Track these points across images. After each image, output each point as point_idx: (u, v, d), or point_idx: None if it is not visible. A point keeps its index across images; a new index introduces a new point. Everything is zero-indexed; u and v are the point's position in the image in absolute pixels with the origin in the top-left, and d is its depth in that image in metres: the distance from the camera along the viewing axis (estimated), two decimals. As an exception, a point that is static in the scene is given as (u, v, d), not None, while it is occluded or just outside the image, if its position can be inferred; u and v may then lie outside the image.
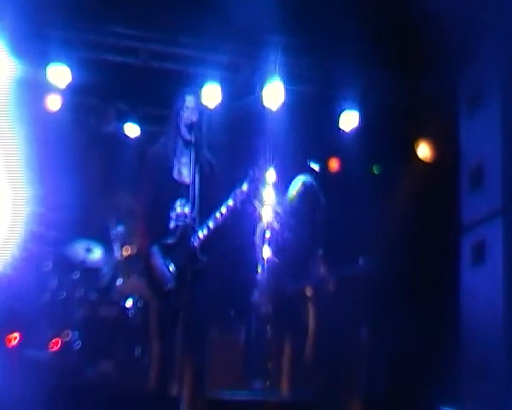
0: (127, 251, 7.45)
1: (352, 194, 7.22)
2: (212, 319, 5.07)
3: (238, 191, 4.74)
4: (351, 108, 7.56)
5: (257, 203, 6.86)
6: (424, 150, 7.80)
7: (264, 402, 5.67)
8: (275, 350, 6.51)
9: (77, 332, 6.98)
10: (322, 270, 6.27)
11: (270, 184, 7.30)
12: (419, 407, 5.78)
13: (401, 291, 6.95)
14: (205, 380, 4.73)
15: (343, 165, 8.17)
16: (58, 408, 5.00)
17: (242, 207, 4.80)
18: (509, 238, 5.31)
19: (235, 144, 7.56)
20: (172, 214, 4.78)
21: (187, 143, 4.85)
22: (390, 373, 6.78)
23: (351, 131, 7.64)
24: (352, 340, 6.63)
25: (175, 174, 4.84)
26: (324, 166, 7.86)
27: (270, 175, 7.37)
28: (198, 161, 4.76)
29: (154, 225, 4.79)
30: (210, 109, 7.06)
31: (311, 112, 7.59)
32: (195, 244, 4.68)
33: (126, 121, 8.06)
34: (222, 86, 7.29)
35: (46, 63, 6.98)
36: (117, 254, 7.50)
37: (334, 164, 8.21)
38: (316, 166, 6.67)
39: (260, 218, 6.71)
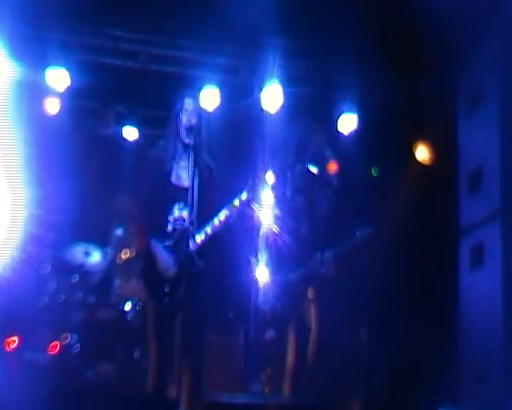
0: (126, 254, 7.45)
1: (351, 196, 7.22)
2: (209, 321, 5.07)
3: (237, 200, 4.74)
4: (349, 110, 7.56)
5: (256, 206, 6.86)
6: (423, 153, 7.81)
7: (263, 405, 5.66)
8: (275, 352, 6.52)
9: (76, 335, 6.97)
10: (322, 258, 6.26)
11: (269, 186, 7.29)
12: (418, 408, 5.77)
13: (400, 293, 6.95)
14: (203, 383, 4.73)
15: (341, 167, 8.16)
16: (57, 411, 5.00)
17: (240, 215, 4.80)
18: (508, 240, 5.30)
19: (233, 147, 7.55)
20: (170, 218, 4.77)
21: (186, 147, 4.85)
22: (389, 375, 6.78)
23: (349, 133, 7.64)
24: (352, 341, 6.63)
25: (173, 178, 4.84)
26: (323, 169, 7.85)
27: (269, 177, 7.36)
28: (197, 165, 4.76)
29: (152, 227, 4.79)
30: (209, 112, 7.06)
31: (309, 114, 7.59)
32: (192, 249, 4.67)
33: (125, 124, 8.06)
34: (220, 89, 7.30)
35: (45, 66, 6.98)
36: (116, 257, 7.50)
37: (332, 166, 8.20)
38: (314, 169, 6.66)
39: (259, 221, 6.71)
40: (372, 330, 6.81)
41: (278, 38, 6.84)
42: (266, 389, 6.55)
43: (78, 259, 7.46)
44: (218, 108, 7.32)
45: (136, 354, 6.89)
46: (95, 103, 7.97)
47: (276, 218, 6.68)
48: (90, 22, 6.75)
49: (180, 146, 4.87)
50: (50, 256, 7.25)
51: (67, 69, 7.01)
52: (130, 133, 8.09)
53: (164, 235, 4.76)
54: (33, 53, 6.82)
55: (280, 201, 6.76)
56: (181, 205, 4.77)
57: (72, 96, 7.48)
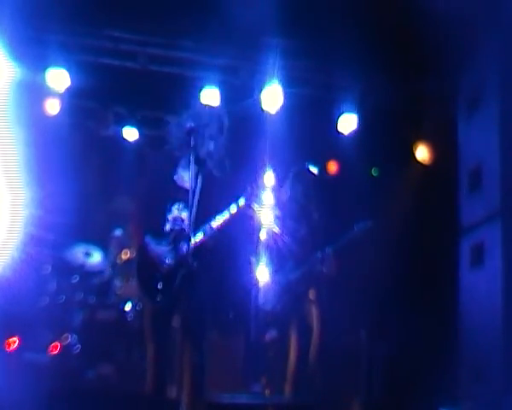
0: (126, 255, 7.45)
1: (351, 197, 7.23)
2: (210, 321, 5.06)
3: (234, 206, 4.74)
4: (349, 110, 7.56)
5: (256, 208, 6.86)
6: (423, 153, 7.81)
7: (264, 405, 5.66)
8: (276, 353, 6.52)
9: (76, 336, 6.98)
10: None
11: (269, 187, 7.30)
12: (419, 407, 5.77)
13: (400, 293, 6.95)
14: (203, 383, 4.73)
15: (342, 168, 8.17)
16: (57, 412, 5.00)
17: (238, 220, 4.81)
18: (508, 240, 5.31)
19: (233, 147, 7.56)
20: (169, 217, 4.78)
21: (190, 149, 4.85)
22: (389, 375, 6.78)
23: (349, 133, 7.64)
24: (352, 341, 6.63)
25: (176, 178, 4.85)
26: (323, 169, 7.86)
27: (269, 178, 7.36)
28: (199, 167, 4.77)
29: (149, 224, 4.80)
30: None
31: (309, 115, 7.60)
32: (187, 249, 4.66)
33: (125, 125, 8.06)
34: (220, 90, 7.30)
35: (45, 67, 6.99)
36: (116, 257, 7.50)
37: (332, 167, 8.22)
38: (314, 169, 6.66)
39: (258, 224, 6.71)
40: (372, 329, 6.81)
41: (278, 39, 6.84)
42: (267, 391, 6.55)
43: (78, 259, 7.47)
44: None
45: (137, 354, 6.89)
46: (94, 104, 7.97)
47: (277, 218, 6.68)
48: (89, 23, 6.75)
49: (185, 148, 4.87)
50: (50, 257, 7.25)
51: (67, 70, 7.02)
52: (130, 134, 8.09)
53: (160, 233, 4.76)
54: (33, 54, 6.82)
55: (280, 201, 6.76)
56: (181, 205, 4.77)
57: (72, 97, 7.49)
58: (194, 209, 4.64)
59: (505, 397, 4.99)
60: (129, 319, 7.15)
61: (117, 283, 7.43)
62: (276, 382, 6.17)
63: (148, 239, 4.74)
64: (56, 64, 6.97)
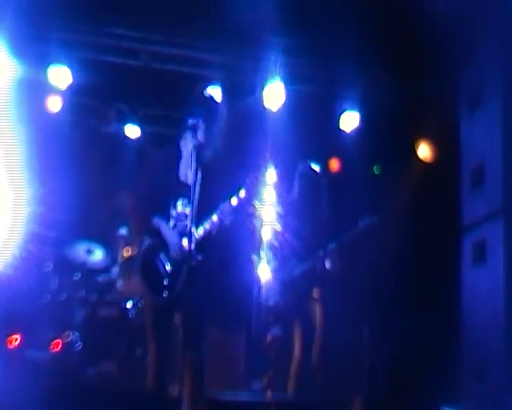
0: (128, 252, 7.45)
1: (353, 194, 7.22)
2: (211, 319, 5.08)
3: (235, 197, 4.76)
4: (351, 108, 7.56)
5: (257, 204, 6.87)
6: (425, 150, 7.80)
7: (265, 403, 5.66)
8: (278, 350, 6.52)
9: (78, 333, 6.99)
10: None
11: (271, 184, 7.29)
12: (420, 406, 5.77)
13: (402, 291, 6.95)
14: (204, 380, 4.74)
15: (344, 165, 8.17)
16: (59, 409, 5.00)
17: (239, 212, 4.83)
18: (510, 238, 5.29)
19: (235, 145, 7.56)
20: (173, 212, 4.81)
21: (194, 146, 4.86)
22: (391, 373, 6.78)
23: (351, 131, 7.64)
24: (354, 339, 6.63)
25: (180, 174, 4.87)
26: (325, 167, 7.85)
27: (271, 175, 7.36)
28: (201, 161, 4.78)
29: (151, 216, 4.83)
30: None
31: (311, 112, 7.59)
32: (191, 243, 4.68)
33: (127, 122, 8.07)
34: (223, 87, 7.28)
35: (47, 64, 6.99)
36: (118, 255, 7.51)
37: (334, 164, 8.21)
38: (316, 167, 6.66)
39: (260, 217, 6.72)
40: (374, 328, 6.81)
41: (280, 37, 6.84)
42: (268, 391, 6.56)
43: (80, 257, 7.48)
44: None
45: (138, 351, 6.90)
46: (96, 101, 7.97)
47: (279, 216, 6.68)
48: (91, 20, 6.75)
49: (189, 146, 4.89)
50: (52, 254, 7.26)
51: (69, 67, 7.03)
52: (132, 131, 8.10)
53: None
54: (35, 51, 6.83)
55: (282, 199, 6.77)
56: (185, 201, 4.80)
57: (74, 94, 7.49)
58: (196, 203, 4.66)
59: (507, 396, 4.98)
60: (130, 317, 7.15)
61: (119, 280, 7.44)
62: (279, 379, 6.17)
63: (157, 220, 4.77)
64: (58, 61, 6.97)
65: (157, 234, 4.79)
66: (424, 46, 6.02)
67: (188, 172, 4.85)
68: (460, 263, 5.92)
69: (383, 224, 6.67)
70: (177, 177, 4.88)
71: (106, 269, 7.59)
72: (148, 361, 4.90)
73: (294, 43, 6.98)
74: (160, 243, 4.78)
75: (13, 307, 6.48)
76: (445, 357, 6.16)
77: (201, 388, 4.74)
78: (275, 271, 6.54)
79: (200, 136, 4.78)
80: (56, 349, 6.83)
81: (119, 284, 7.41)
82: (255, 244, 6.85)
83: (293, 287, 6.35)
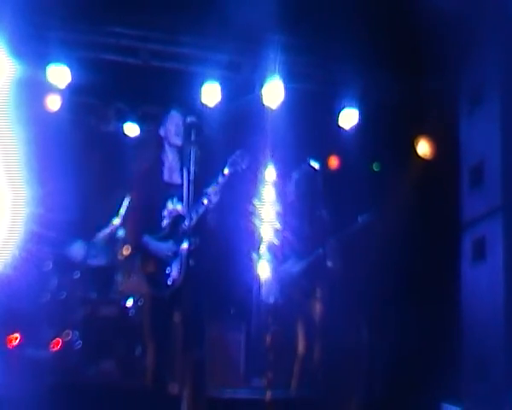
0: (127, 250, 7.44)
1: (352, 191, 7.22)
2: (210, 315, 5.10)
3: (219, 178, 4.87)
4: (350, 105, 7.56)
5: (257, 203, 6.88)
6: (424, 148, 7.80)
7: (265, 400, 5.67)
8: (278, 348, 6.52)
9: (77, 332, 6.98)
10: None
11: (270, 182, 7.29)
12: (420, 404, 5.78)
13: (401, 289, 6.95)
14: (204, 378, 4.75)
15: (343, 163, 8.17)
16: (59, 408, 5.01)
17: (227, 187, 4.88)
18: (510, 235, 5.31)
19: (234, 143, 7.56)
20: (165, 212, 4.85)
21: (175, 148, 4.96)
22: (391, 371, 6.78)
23: (350, 128, 7.64)
24: (354, 337, 6.63)
25: (165, 175, 4.93)
26: (324, 164, 7.85)
27: (270, 173, 7.36)
28: (188, 162, 4.85)
29: (145, 222, 4.86)
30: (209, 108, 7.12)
31: (310, 110, 7.59)
32: (187, 229, 4.74)
33: (126, 121, 8.05)
34: (222, 85, 7.29)
35: (46, 63, 6.98)
36: (117, 253, 7.50)
37: (334, 162, 8.21)
38: (316, 164, 6.67)
39: (260, 217, 6.73)
40: (374, 325, 6.81)
41: (279, 34, 6.83)
42: (268, 391, 6.56)
43: (79, 256, 7.47)
44: (220, 104, 7.33)
45: (138, 350, 6.89)
46: (96, 100, 7.96)
47: (278, 214, 6.68)
48: (90, 19, 6.74)
49: (168, 147, 4.97)
50: (52, 253, 7.26)
51: (68, 66, 7.01)
52: (132, 130, 8.09)
53: (158, 229, 4.85)
54: (34, 50, 6.81)
55: (282, 197, 6.77)
56: (174, 200, 4.86)
57: (73, 93, 7.47)
58: (190, 202, 4.73)
59: (508, 393, 4.99)
60: (130, 315, 7.14)
61: (118, 278, 7.43)
62: (279, 378, 6.17)
63: (146, 238, 4.79)
64: (57, 60, 6.96)
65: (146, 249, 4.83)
66: (424, 44, 6.01)
67: (171, 172, 4.92)
68: (460, 261, 5.94)
69: (382, 221, 6.69)
70: (162, 179, 4.93)
71: (105, 268, 7.58)
72: (147, 360, 4.91)
73: (294, 41, 6.98)
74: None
75: (13, 307, 6.48)
76: (445, 355, 6.17)
77: (202, 386, 4.76)
78: (274, 269, 6.55)
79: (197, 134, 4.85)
80: (56, 348, 6.83)
81: (119, 282, 7.41)
82: (255, 243, 6.86)
83: (293, 285, 6.36)
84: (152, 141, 5.17)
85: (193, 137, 4.88)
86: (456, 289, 5.89)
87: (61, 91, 7.32)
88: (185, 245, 4.81)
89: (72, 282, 7.25)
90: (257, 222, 6.83)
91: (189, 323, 4.74)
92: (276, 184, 7.14)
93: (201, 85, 7.21)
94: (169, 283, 4.75)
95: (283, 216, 6.59)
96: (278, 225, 6.58)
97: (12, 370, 5.85)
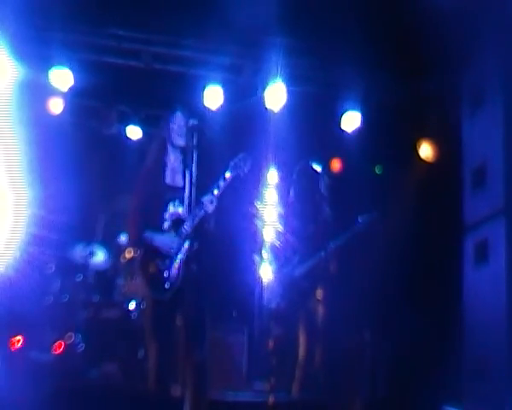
0: (130, 253, 7.45)
1: (355, 194, 7.22)
2: (212, 318, 5.10)
3: (221, 182, 4.87)
4: (353, 108, 7.55)
5: (259, 204, 6.88)
6: (426, 150, 7.79)
7: (267, 403, 5.67)
8: (280, 350, 6.52)
9: (80, 335, 6.99)
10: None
11: (273, 185, 7.30)
12: (422, 406, 5.77)
13: (404, 291, 6.94)
14: (206, 380, 4.75)
15: (345, 165, 8.16)
16: (61, 410, 5.01)
17: (230, 191, 4.88)
18: (512, 237, 5.31)
19: (237, 145, 7.56)
20: (166, 215, 4.85)
21: (178, 149, 4.97)
22: (392, 372, 6.78)
23: (353, 131, 7.64)
24: (356, 340, 6.62)
25: (167, 178, 4.93)
26: (327, 167, 7.85)
27: (273, 176, 7.37)
28: (191, 165, 4.86)
29: (145, 223, 4.86)
30: (211, 111, 7.13)
31: (313, 113, 7.59)
32: (188, 231, 4.74)
33: (128, 124, 8.06)
34: (224, 88, 7.30)
35: (48, 66, 6.99)
36: (120, 256, 7.51)
37: (336, 165, 8.20)
38: (318, 167, 6.67)
39: (262, 219, 6.73)
40: (376, 327, 6.80)
41: (282, 37, 6.82)
42: (271, 395, 6.56)
43: (81, 258, 7.48)
44: (222, 106, 7.33)
45: (141, 353, 6.89)
46: (98, 103, 7.96)
47: (281, 217, 6.69)
48: (93, 22, 6.74)
49: (171, 148, 4.97)
50: (54, 256, 7.26)
51: (71, 69, 7.02)
52: (134, 133, 8.09)
53: (160, 230, 4.86)
54: (36, 53, 6.82)
55: (284, 200, 6.77)
56: (176, 203, 4.86)
57: (76, 96, 7.49)
58: (192, 203, 4.74)
59: (509, 395, 4.98)
60: (133, 318, 7.15)
61: (121, 281, 7.44)
62: (281, 380, 6.17)
63: (148, 233, 4.81)
64: (60, 63, 6.96)
65: (149, 244, 4.83)
66: (426, 46, 6.01)
67: (174, 174, 4.93)
68: (462, 263, 5.93)
69: (385, 224, 6.68)
70: (164, 182, 4.94)
71: (108, 270, 7.59)
72: (149, 362, 4.91)
73: (296, 43, 6.97)
74: (154, 250, 4.82)
75: (15, 309, 6.49)
76: (446, 356, 6.16)
77: (204, 389, 4.76)
78: (277, 271, 6.55)
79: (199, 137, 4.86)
80: (59, 351, 6.84)
81: (122, 285, 7.41)
82: (257, 245, 6.86)
83: (295, 287, 6.35)
84: (154, 143, 5.16)
85: (195, 140, 4.88)
86: (459, 291, 5.89)
87: (63, 94, 7.33)
88: (185, 247, 4.82)
89: (75, 285, 7.26)
90: (259, 224, 6.83)
91: (192, 325, 4.74)
92: (278, 187, 7.14)
93: (204, 88, 7.22)
94: (166, 286, 4.75)
95: (285, 218, 6.59)
96: (280, 228, 6.58)
97: (15, 372, 5.85)
